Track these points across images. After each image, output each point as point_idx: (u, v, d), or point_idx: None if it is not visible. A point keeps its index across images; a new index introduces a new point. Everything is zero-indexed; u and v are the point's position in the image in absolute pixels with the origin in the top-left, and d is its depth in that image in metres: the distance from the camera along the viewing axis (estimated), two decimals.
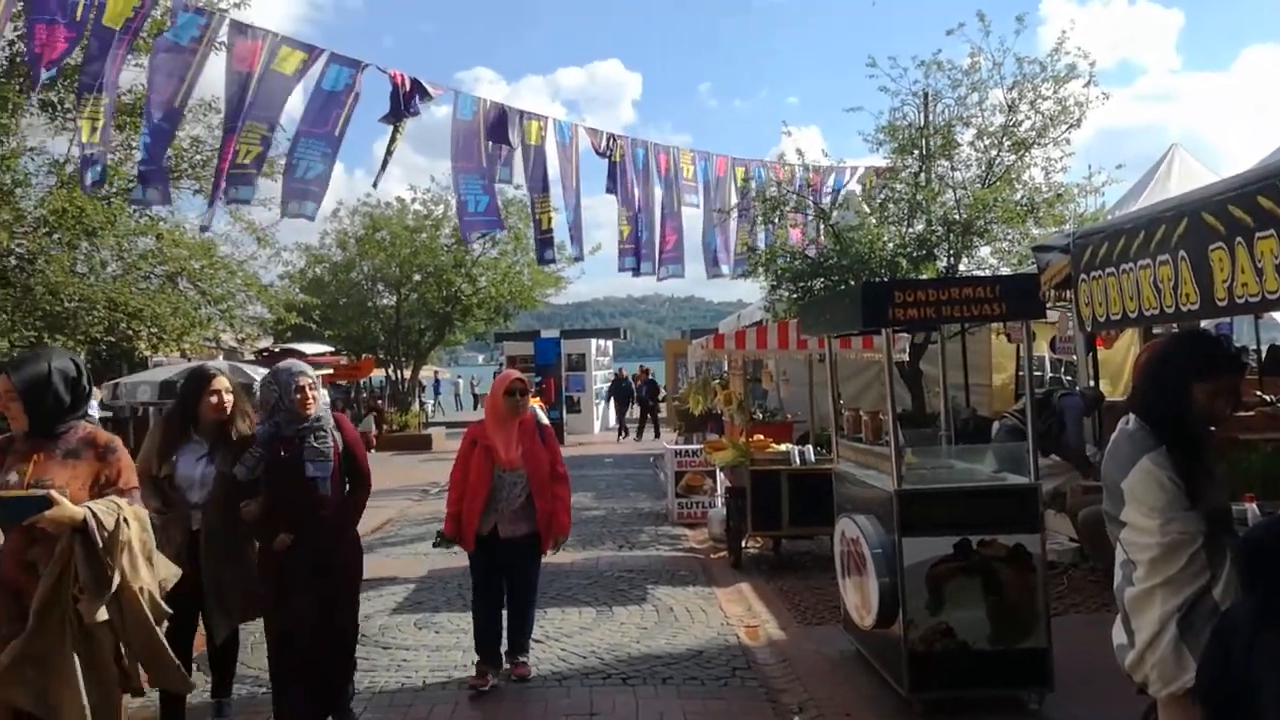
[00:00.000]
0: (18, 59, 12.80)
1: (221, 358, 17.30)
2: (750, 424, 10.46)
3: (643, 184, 11.84)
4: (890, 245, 10.20)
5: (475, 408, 37.90)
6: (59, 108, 12.77)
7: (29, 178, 13.56)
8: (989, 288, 5.11)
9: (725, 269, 13.29)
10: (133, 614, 3.53)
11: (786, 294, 10.87)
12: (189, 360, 15.35)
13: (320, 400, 4.97)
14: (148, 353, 14.00)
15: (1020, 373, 10.47)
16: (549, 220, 10.68)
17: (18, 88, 12.62)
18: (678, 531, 10.95)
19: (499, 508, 5.60)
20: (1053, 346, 12.02)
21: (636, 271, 12.41)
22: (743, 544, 9.02)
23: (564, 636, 6.73)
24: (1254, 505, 4.60)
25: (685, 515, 11.38)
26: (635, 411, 25.90)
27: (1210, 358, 3.00)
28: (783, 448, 9.37)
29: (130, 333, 13.08)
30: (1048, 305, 5.05)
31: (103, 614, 3.43)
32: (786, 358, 13.27)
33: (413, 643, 6.67)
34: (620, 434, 25.21)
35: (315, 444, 4.76)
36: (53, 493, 3.35)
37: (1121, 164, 10.14)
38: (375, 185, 11.64)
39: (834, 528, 5.96)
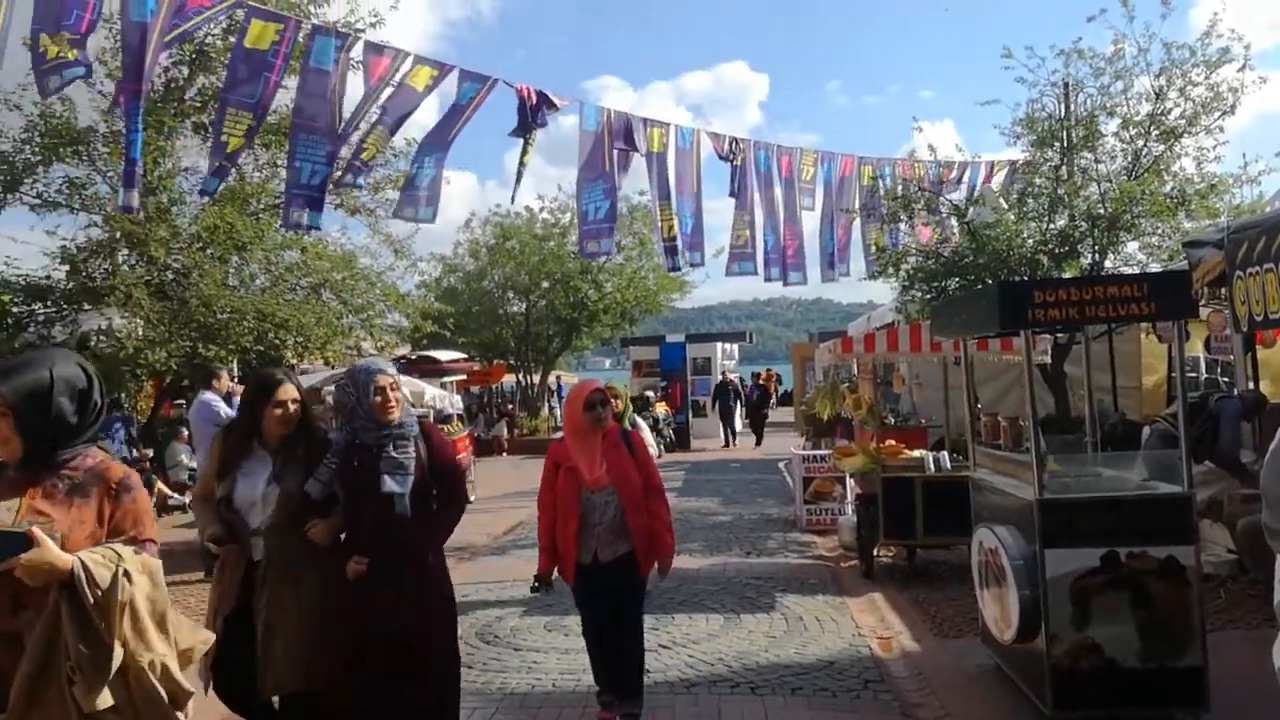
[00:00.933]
0: (172, 85, 13.64)
1: None
2: (881, 429, 10.23)
3: (764, 188, 11.70)
4: (1030, 242, 9.83)
5: None
6: (209, 130, 13.55)
7: (184, 196, 14.44)
8: (1136, 286, 4.85)
9: (837, 272, 12.99)
10: (144, 696, 2.70)
11: (919, 294, 10.61)
12: (332, 368, 16.00)
13: (404, 404, 4.43)
14: (294, 361, 14.67)
15: (1173, 374, 9.96)
16: (670, 228, 10.67)
17: (172, 111, 13.44)
18: (806, 538, 10.80)
19: (595, 532, 5.01)
20: (1208, 346, 11.38)
21: (768, 277, 12.25)
22: (874, 552, 8.81)
23: (691, 643, 6.70)
24: None
25: (814, 522, 11.21)
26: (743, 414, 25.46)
27: None
28: (916, 454, 9.14)
29: (278, 342, 13.73)
30: (1201, 303, 4.77)
31: (105, 699, 2.62)
32: (919, 360, 12.95)
33: (543, 645, 6.75)
34: (729, 442, 24.59)
35: (395, 454, 4.21)
36: (35, 529, 2.53)
37: None
38: (513, 200, 11.80)
39: (971, 537, 5.78)
